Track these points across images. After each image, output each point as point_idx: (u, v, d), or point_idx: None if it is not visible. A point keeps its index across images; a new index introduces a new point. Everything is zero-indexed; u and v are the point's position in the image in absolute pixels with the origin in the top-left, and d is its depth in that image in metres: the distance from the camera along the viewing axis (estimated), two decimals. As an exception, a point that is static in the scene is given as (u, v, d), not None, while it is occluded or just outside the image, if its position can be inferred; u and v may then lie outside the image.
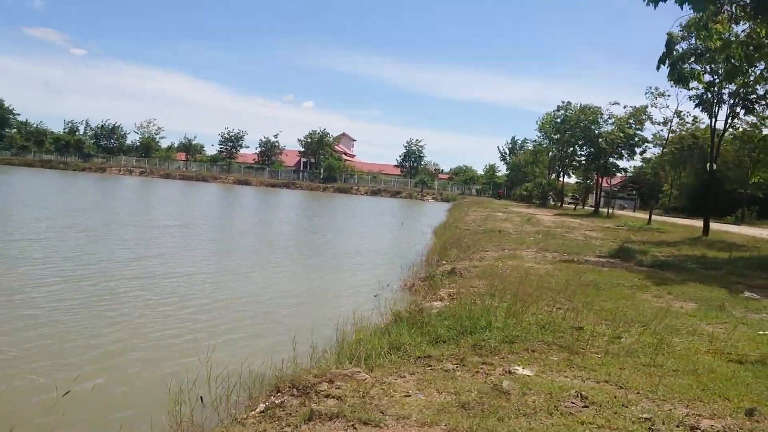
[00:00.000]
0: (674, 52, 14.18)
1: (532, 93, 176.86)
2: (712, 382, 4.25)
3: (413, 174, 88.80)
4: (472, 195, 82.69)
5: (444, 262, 13.00)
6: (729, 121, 20.10)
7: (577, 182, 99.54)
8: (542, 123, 52.06)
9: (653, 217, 31.05)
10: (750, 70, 14.57)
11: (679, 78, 14.79)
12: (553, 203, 55.63)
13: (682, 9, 13.03)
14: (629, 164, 67.28)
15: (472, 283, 8.85)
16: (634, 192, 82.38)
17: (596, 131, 36.58)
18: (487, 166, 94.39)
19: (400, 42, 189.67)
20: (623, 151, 36.27)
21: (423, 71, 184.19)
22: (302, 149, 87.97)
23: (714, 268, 11.57)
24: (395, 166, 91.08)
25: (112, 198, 36.77)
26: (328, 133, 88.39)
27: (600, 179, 41.28)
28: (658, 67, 14.36)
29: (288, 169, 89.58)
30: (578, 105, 40.68)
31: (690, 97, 18.83)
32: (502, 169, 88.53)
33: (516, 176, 73.28)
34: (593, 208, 43.21)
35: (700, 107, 18.17)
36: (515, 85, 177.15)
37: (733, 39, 14.90)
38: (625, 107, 35.11)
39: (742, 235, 20.60)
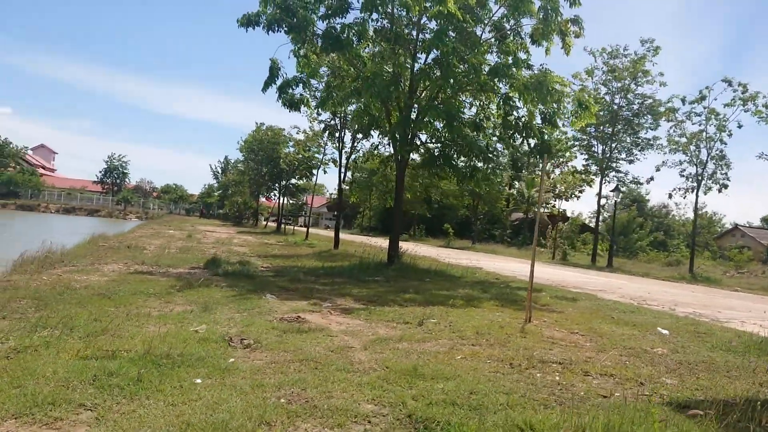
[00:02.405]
0: (278, 77, 15.03)
1: (250, 112, 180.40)
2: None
3: (116, 191, 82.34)
4: (181, 214, 79.78)
5: None
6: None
7: (291, 203, 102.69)
8: (243, 143, 52.80)
9: (342, 236, 33.44)
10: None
11: (290, 103, 15.83)
12: (250, 222, 56.41)
13: (268, 34, 14.07)
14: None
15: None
16: (334, 214, 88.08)
17: (280, 152, 38.09)
18: (206, 186, 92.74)
19: (120, 54, 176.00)
20: (305, 172, 38.35)
21: (140, 84, 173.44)
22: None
23: (281, 275, 12.64)
24: (94, 182, 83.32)
25: None
26: (11, 143, 77.11)
27: (283, 198, 43.08)
28: (263, 90, 15.26)
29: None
30: (269, 126, 42.21)
31: (321, 122, 20.62)
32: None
33: (225, 195, 72.98)
34: (290, 226, 45.08)
35: (327, 132, 20.02)
36: (233, 103, 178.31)
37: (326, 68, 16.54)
38: (304, 131, 37.12)
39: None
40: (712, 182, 25.39)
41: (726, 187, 25.09)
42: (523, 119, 14.12)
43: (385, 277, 13.29)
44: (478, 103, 15.10)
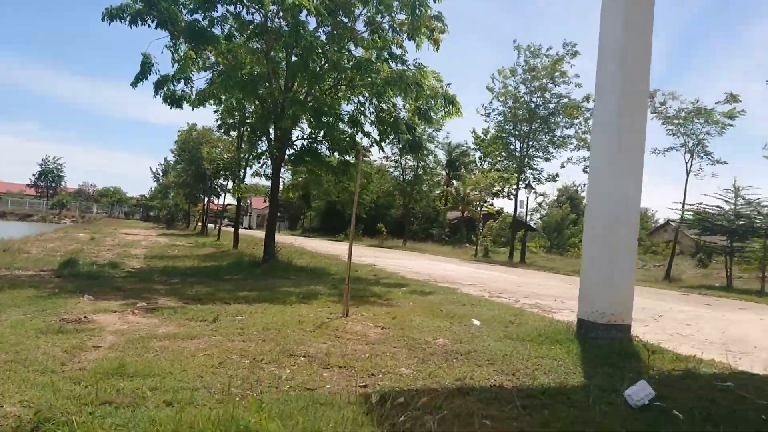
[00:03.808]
0: (150, 72, 14.57)
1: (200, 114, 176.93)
2: None
3: (52, 195, 79.70)
4: (120, 218, 77.75)
5: None
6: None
7: (235, 205, 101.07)
8: (175, 145, 51.65)
9: (280, 237, 32.97)
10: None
11: (172, 99, 15.38)
12: (182, 225, 55.34)
13: (131, 28, 13.61)
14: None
15: None
16: (278, 215, 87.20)
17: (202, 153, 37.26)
18: (152, 188, 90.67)
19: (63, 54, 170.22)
20: (229, 174, 37.60)
21: (82, 84, 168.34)
22: None
23: (138, 276, 12.26)
24: (28, 185, 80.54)
25: None
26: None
27: (209, 200, 42.26)
28: (133, 85, 14.73)
29: None
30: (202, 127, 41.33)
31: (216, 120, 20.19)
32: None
33: (165, 198, 71.43)
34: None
35: (221, 130, 19.63)
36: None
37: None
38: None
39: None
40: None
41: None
42: (394, 115, 14.05)
43: (248, 275, 13.03)
44: (356, 99, 14.97)
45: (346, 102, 14.99)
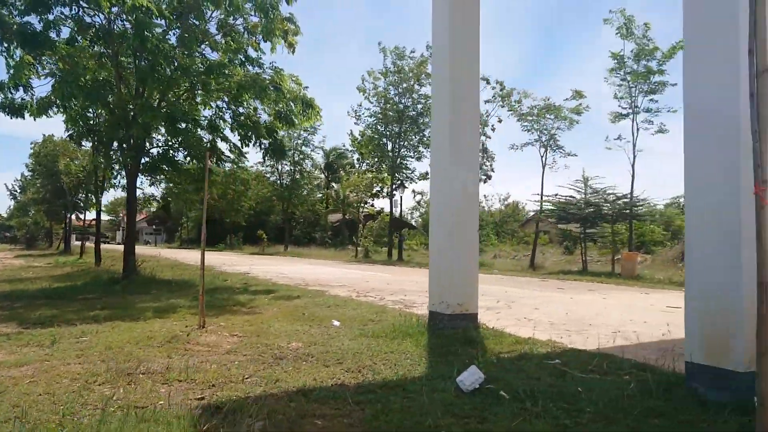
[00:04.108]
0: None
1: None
2: None
3: None
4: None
5: None
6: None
7: (110, 220, 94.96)
8: (29, 159, 47.56)
9: (154, 250, 31.08)
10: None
11: (11, 109, 14.17)
12: (44, 244, 51.23)
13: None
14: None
15: None
16: (155, 227, 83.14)
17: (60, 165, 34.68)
18: (10, 207, 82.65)
19: None
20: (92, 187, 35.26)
21: None
22: None
23: None
24: None
25: None
26: None
27: (69, 217, 39.35)
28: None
29: None
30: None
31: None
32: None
33: (25, 216, 65.67)
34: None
35: (71, 140, 18.33)
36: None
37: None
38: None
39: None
40: (482, 173, 27.38)
41: (490, 177, 27.18)
42: (254, 119, 13.85)
43: (105, 293, 12.27)
44: (213, 104, 14.55)
45: (204, 107, 14.54)
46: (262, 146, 13.97)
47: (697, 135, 4.47)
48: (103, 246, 44.06)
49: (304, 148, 42.97)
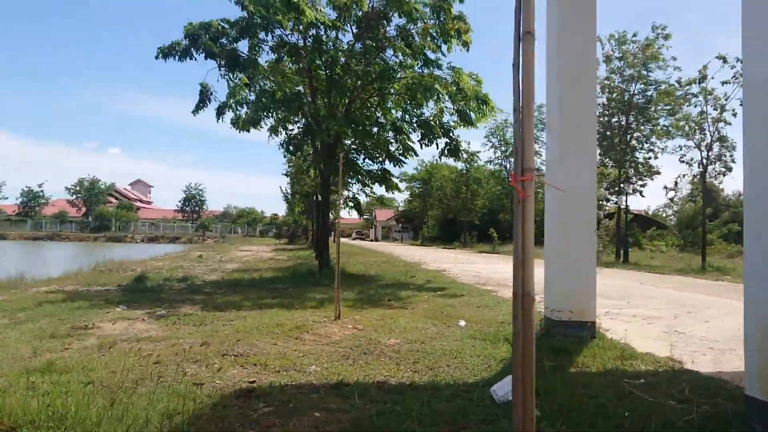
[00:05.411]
0: (209, 101, 15.81)
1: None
2: None
3: (196, 218, 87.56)
4: (255, 236, 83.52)
5: None
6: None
7: (364, 219, 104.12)
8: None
9: (398, 247, 34.23)
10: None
11: (242, 125, 16.65)
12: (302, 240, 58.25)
13: (181, 62, 14.86)
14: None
15: None
16: (402, 225, 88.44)
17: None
18: (288, 208, 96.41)
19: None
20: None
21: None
22: (71, 197, 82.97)
23: (192, 289, 13.34)
24: (176, 210, 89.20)
25: None
26: (99, 180, 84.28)
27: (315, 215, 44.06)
28: (194, 113, 16.08)
29: (54, 219, 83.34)
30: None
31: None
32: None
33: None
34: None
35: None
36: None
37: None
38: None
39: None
40: (721, 165, 23.52)
41: (730, 169, 23.24)
42: (438, 120, 14.11)
43: (298, 283, 13.68)
44: (396, 107, 15.14)
45: (395, 110, 15.26)
46: (437, 146, 14.19)
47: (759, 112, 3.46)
48: (344, 241, 48.51)
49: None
